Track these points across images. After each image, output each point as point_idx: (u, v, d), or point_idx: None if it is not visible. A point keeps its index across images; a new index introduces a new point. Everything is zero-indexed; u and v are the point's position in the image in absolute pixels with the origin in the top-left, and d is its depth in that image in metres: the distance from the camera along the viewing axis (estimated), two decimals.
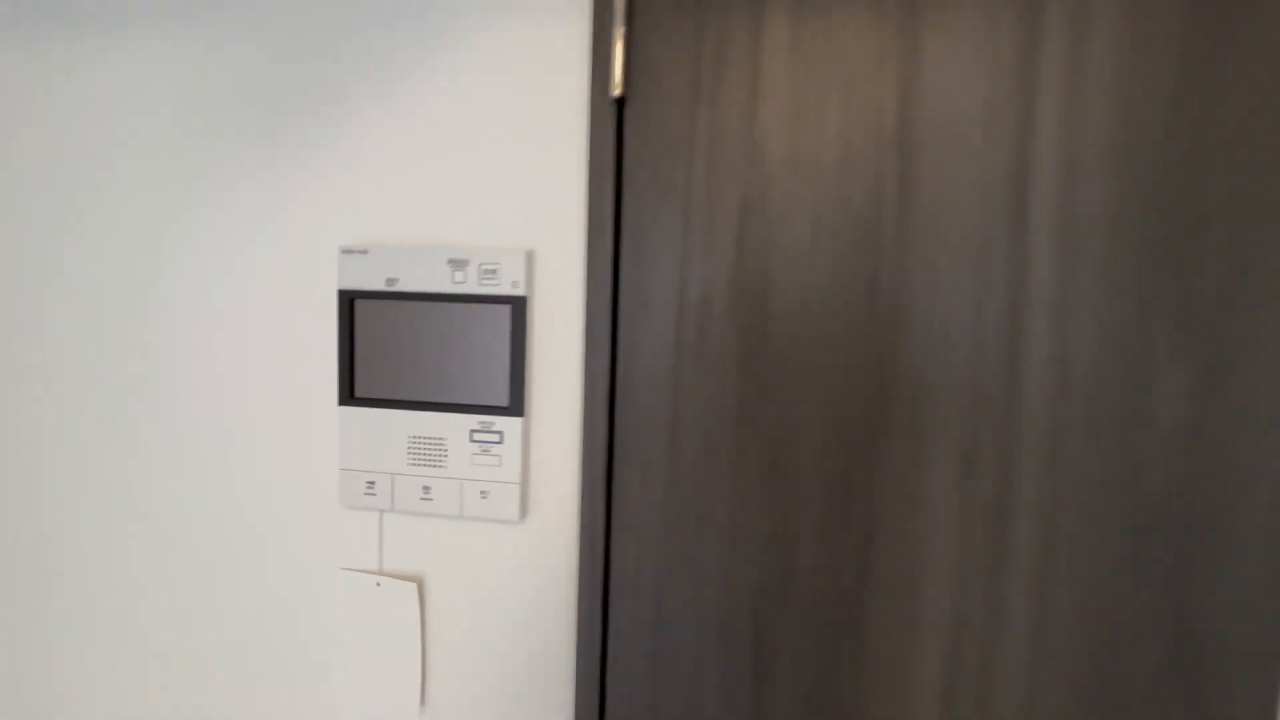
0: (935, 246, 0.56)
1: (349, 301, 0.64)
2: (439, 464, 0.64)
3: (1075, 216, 0.54)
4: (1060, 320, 0.55)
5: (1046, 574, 0.57)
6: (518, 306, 0.61)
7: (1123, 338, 0.54)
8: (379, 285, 0.64)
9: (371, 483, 0.65)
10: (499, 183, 0.62)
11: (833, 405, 0.59)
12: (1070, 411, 0.55)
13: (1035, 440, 0.56)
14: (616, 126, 0.60)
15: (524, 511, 0.64)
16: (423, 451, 0.64)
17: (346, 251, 0.64)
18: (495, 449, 0.62)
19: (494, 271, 0.61)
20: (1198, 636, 0.55)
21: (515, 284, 0.61)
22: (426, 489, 0.64)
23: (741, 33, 0.57)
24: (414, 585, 0.66)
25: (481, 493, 0.63)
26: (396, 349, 0.64)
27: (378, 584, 0.66)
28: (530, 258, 0.62)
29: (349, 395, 0.65)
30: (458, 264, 0.62)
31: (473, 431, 0.63)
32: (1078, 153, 0.54)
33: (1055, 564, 0.57)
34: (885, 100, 0.56)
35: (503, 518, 0.63)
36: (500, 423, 0.62)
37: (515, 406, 0.62)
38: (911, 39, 0.55)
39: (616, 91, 0.59)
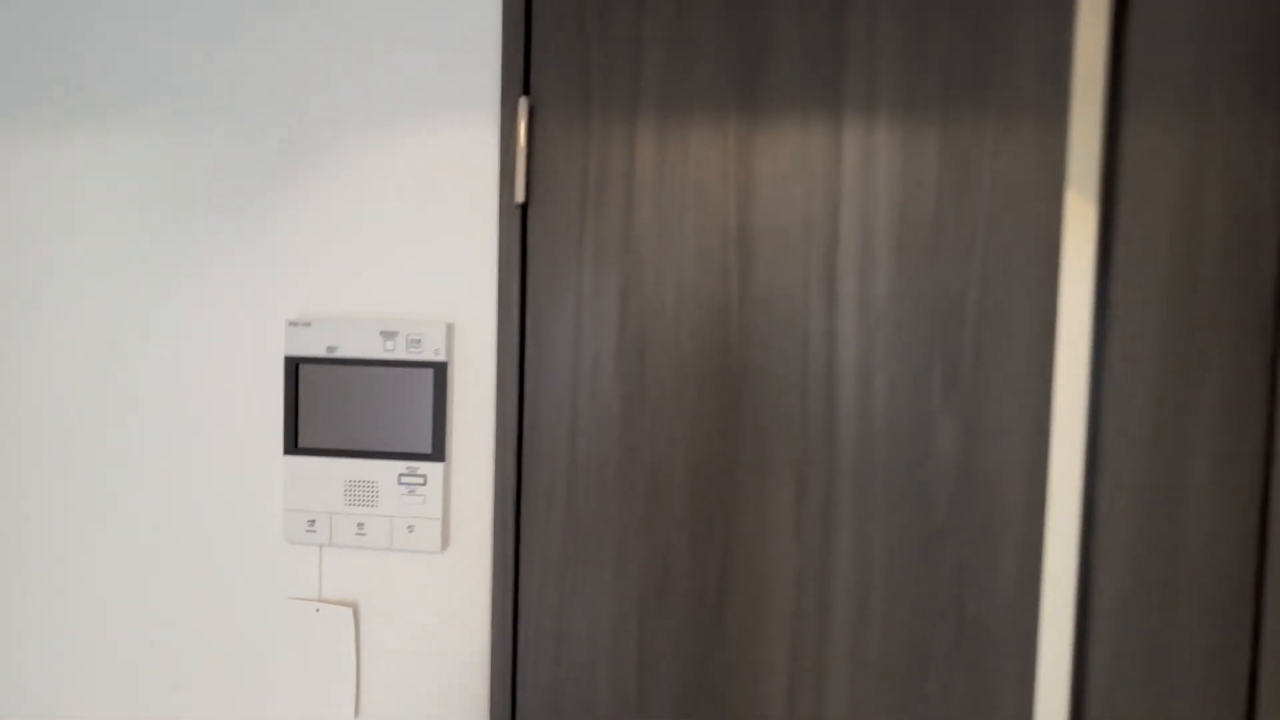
0: (769, 321, 0.72)
1: (294, 366, 0.76)
2: (371, 504, 0.75)
3: (870, 300, 0.71)
4: (863, 378, 0.71)
5: (862, 577, 0.72)
6: (439, 370, 0.74)
7: (908, 393, 0.71)
8: (320, 352, 0.75)
9: (312, 521, 0.75)
10: (425, 267, 0.76)
11: (696, 446, 0.73)
12: (874, 448, 0.72)
13: (849, 470, 0.72)
14: (521, 226, 0.74)
15: (445, 543, 0.76)
16: (357, 493, 0.75)
17: (293, 324, 0.76)
18: (420, 490, 0.74)
19: (419, 341, 0.74)
20: (974, 623, 0.71)
21: (437, 351, 0.74)
22: (360, 525, 0.75)
23: (618, 157, 0.73)
24: (350, 610, 0.76)
25: (408, 528, 0.75)
26: (335, 406, 0.75)
27: (317, 610, 0.76)
28: (450, 330, 0.75)
29: (293, 446, 0.76)
30: (389, 335, 0.75)
31: (401, 475, 0.74)
32: (870, 252, 0.71)
33: (869, 568, 0.72)
34: (728, 210, 0.72)
35: (427, 549, 0.75)
36: (424, 468, 0.74)
37: (437, 453, 0.74)
38: (747, 164, 0.72)
39: (520, 199, 0.73)
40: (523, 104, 0.72)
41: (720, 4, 0.71)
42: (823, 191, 0.71)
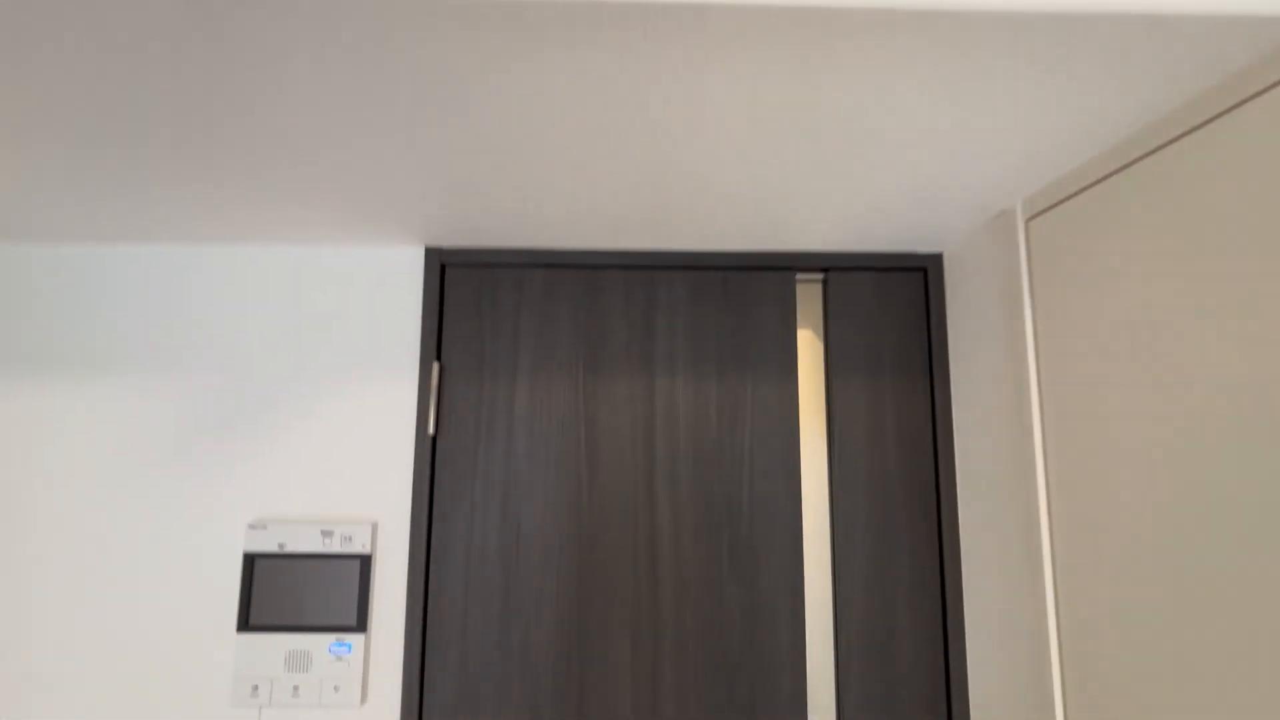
0: (609, 512, 1.03)
1: (250, 561, 0.99)
2: (306, 669, 0.96)
3: (677, 499, 1.03)
4: (676, 554, 1.02)
5: (683, 706, 0.99)
6: (365, 561, 0.99)
7: (707, 563, 1.02)
8: (273, 549, 0.99)
9: (256, 687, 0.96)
10: (358, 482, 1.03)
11: (558, 609, 1.00)
12: (685, 606, 1.01)
13: (670, 623, 1.00)
14: (432, 451, 1.03)
15: (364, 698, 0.97)
16: (294, 661, 0.97)
17: (251, 526, 1.00)
18: (345, 656, 0.96)
19: (350, 538, 1.00)
20: None
21: (364, 546, 1.00)
22: (296, 688, 0.96)
23: (503, 401, 1.05)
24: None
25: (335, 687, 0.96)
26: (282, 591, 0.98)
27: None
28: (375, 528, 1.01)
29: (245, 624, 0.97)
30: (327, 533, 1.00)
31: (330, 644, 0.97)
32: (676, 466, 1.04)
33: (686, 700, 0.99)
34: (579, 433, 1.05)
35: (349, 705, 0.96)
36: (349, 637, 0.97)
37: (360, 625, 0.98)
38: (592, 405, 1.05)
39: (432, 432, 1.03)
40: (435, 367, 1.05)
41: (571, 303, 1.08)
42: (643, 424, 1.05)
